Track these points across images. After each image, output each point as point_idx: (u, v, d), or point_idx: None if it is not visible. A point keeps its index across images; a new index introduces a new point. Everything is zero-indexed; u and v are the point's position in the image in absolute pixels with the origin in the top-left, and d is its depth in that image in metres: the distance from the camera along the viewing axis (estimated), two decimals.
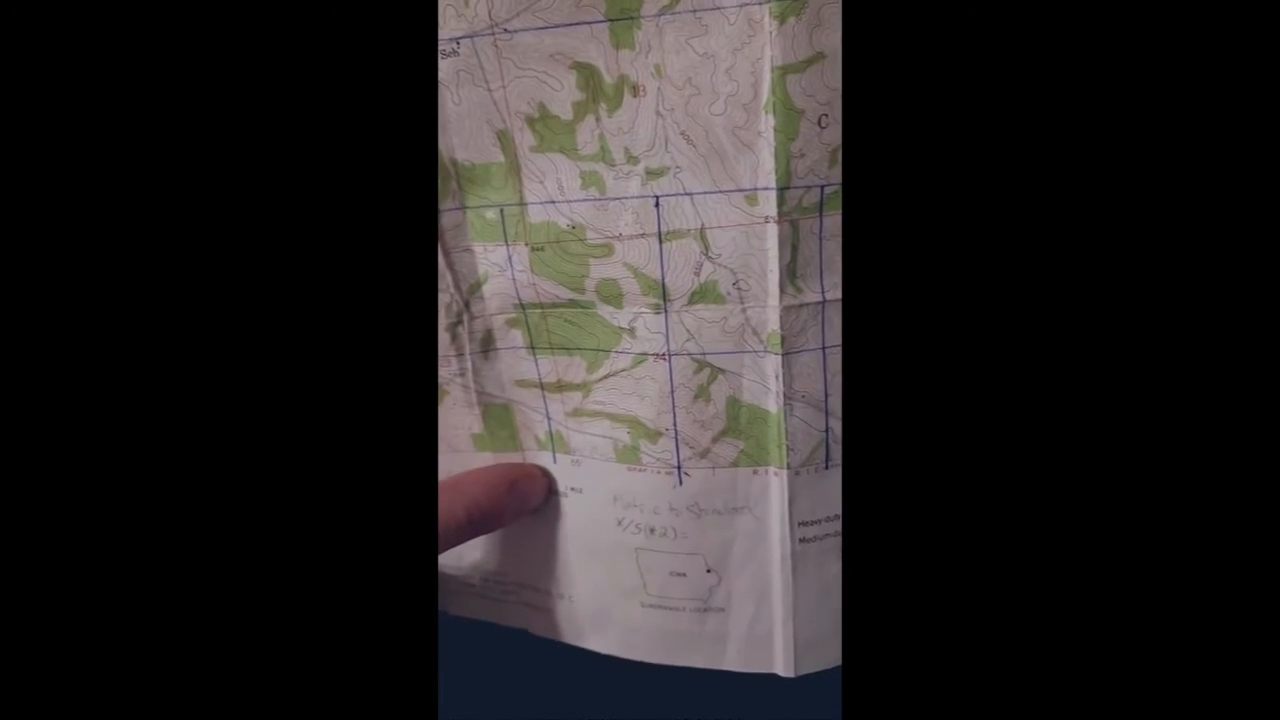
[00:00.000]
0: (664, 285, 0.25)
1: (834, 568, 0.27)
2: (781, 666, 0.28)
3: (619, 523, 0.28)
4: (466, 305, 0.27)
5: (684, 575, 0.28)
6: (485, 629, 0.32)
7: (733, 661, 0.29)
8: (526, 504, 0.29)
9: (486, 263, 0.26)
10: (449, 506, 0.27)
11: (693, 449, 0.26)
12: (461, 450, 0.30)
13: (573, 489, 0.28)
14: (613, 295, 0.26)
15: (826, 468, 0.26)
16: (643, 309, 0.25)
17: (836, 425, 0.26)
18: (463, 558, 0.31)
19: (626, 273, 0.25)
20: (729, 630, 0.28)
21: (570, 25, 0.23)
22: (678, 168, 0.24)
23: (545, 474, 0.29)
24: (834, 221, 0.24)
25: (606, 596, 0.29)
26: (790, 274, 0.24)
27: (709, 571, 0.28)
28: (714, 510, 0.27)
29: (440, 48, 0.24)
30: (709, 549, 0.27)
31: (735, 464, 0.26)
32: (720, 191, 0.24)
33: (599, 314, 0.26)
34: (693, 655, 0.29)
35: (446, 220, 0.26)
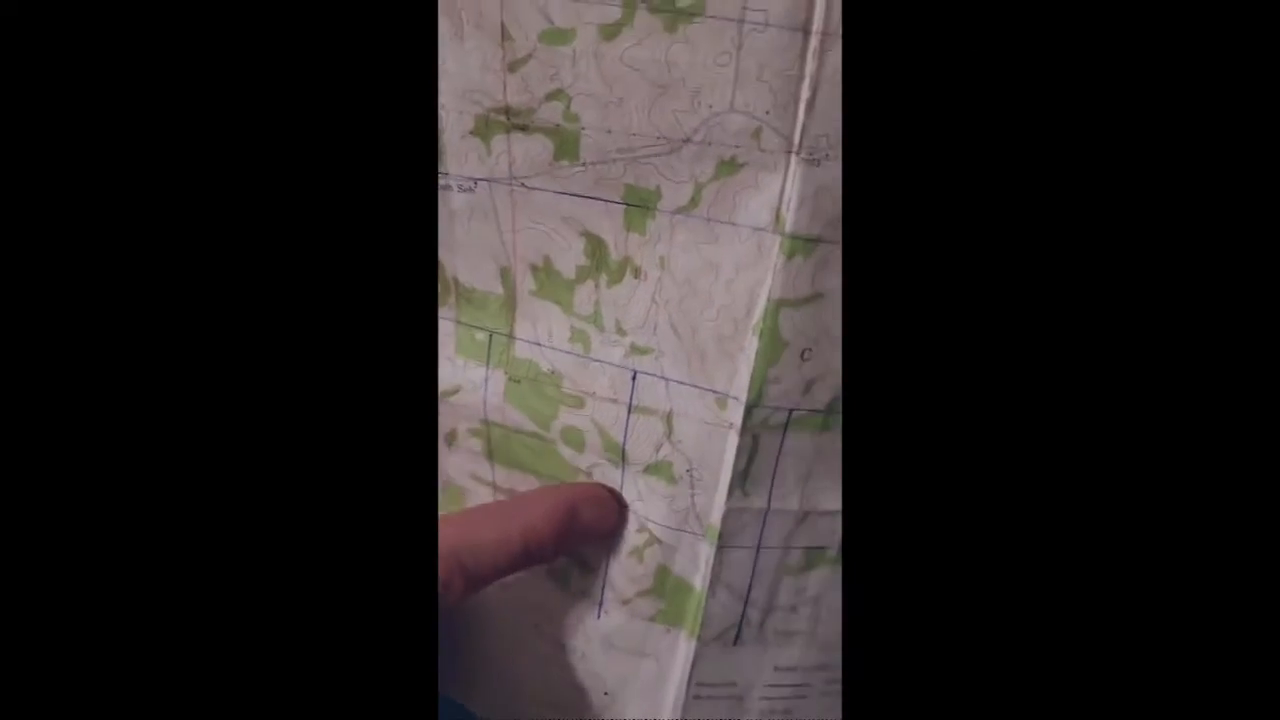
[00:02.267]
0: (624, 449, 0.26)
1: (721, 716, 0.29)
2: None
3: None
4: (438, 403, 0.28)
5: (584, 690, 0.29)
6: None
7: None
8: (591, 532, 0.26)
9: (464, 376, 0.27)
10: (503, 531, 0.25)
11: (616, 594, 0.27)
12: None
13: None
14: (575, 441, 0.26)
15: (735, 644, 0.27)
16: (601, 460, 0.26)
17: (753, 613, 0.27)
18: None
19: (592, 427, 0.26)
20: None
21: (587, 198, 0.23)
22: (660, 352, 0.24)
23: (614, 496, 0.27)
24: (796, 442, 0.24)
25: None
26: (741, 479, 0.25)
27: (605, 694, 0.29)
28: (623, 649, 0.28)
29: (459, 184, 0.24)
30: (611, 677, 0.29)
31: (651, 619, 0.27)
32: (694, 386, 0.24)
33: (559, 451, 0.27)
34: None
35: (440, 327, 0.27)
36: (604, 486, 0.27)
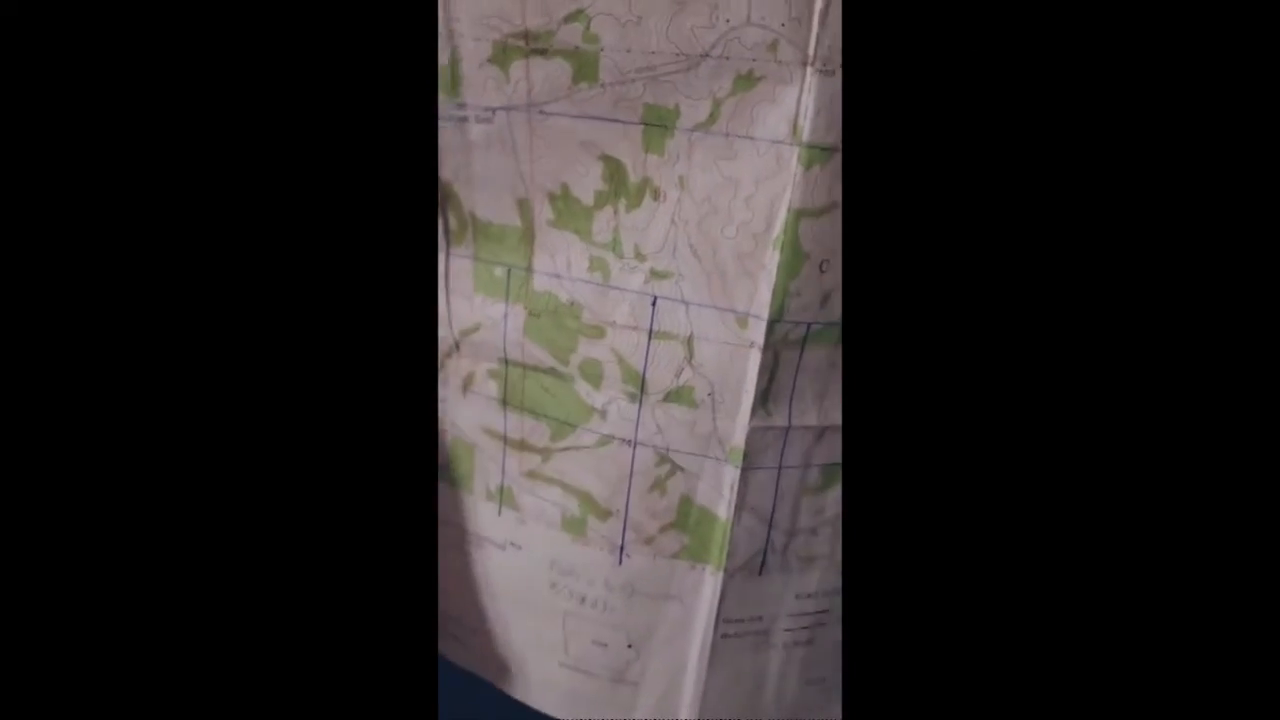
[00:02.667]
0: (644, 378, 0.26)
1: (749, 660, 0.29)
2: None
3: (552, 585, 0.29)
4: (457, 345, 0.28)
5: (605, 645, 0.29)
6: None
7: None
8: None
9: (482, 314, 0.27)
10: None
11: (639, 534, 0.27)
12: None
13: (513, 544, 0.30)
14: (593, 375, 0.26)
15: (760, 573, 0.27)
16: (618, 396, 0.26)
17: (778, 537, 0.27)
18: None
19: (611, 357, 0.26)
20: (637, 704, 0.30)
21: (606, 120, 0.24)
22: (680, 275, 0.25)
23: None
24: (813, 356, 0.25)
25: (527, 649, 0.30)
26: (763, 398, 0.25)
27: (629, 647, 0.29)
28: (647, 593, 0.28)
29: (476, 114, 0.24)
30: (634, 627, 0.29)
31: (676, 556, 0.27)
32: (715, 308, 0.25)
33: (575, 389, 0.27)
34: (599, 715, 0.30)
35: (455, 265, 0.27)
36: None
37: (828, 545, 0.27)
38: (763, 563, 0.27)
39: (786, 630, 0.28)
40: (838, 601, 0.28)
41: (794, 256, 0.23)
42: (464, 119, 0.24)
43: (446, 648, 0.32)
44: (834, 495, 0.27)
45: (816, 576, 0.28)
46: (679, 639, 0.29)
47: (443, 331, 0.28)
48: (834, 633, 0.28)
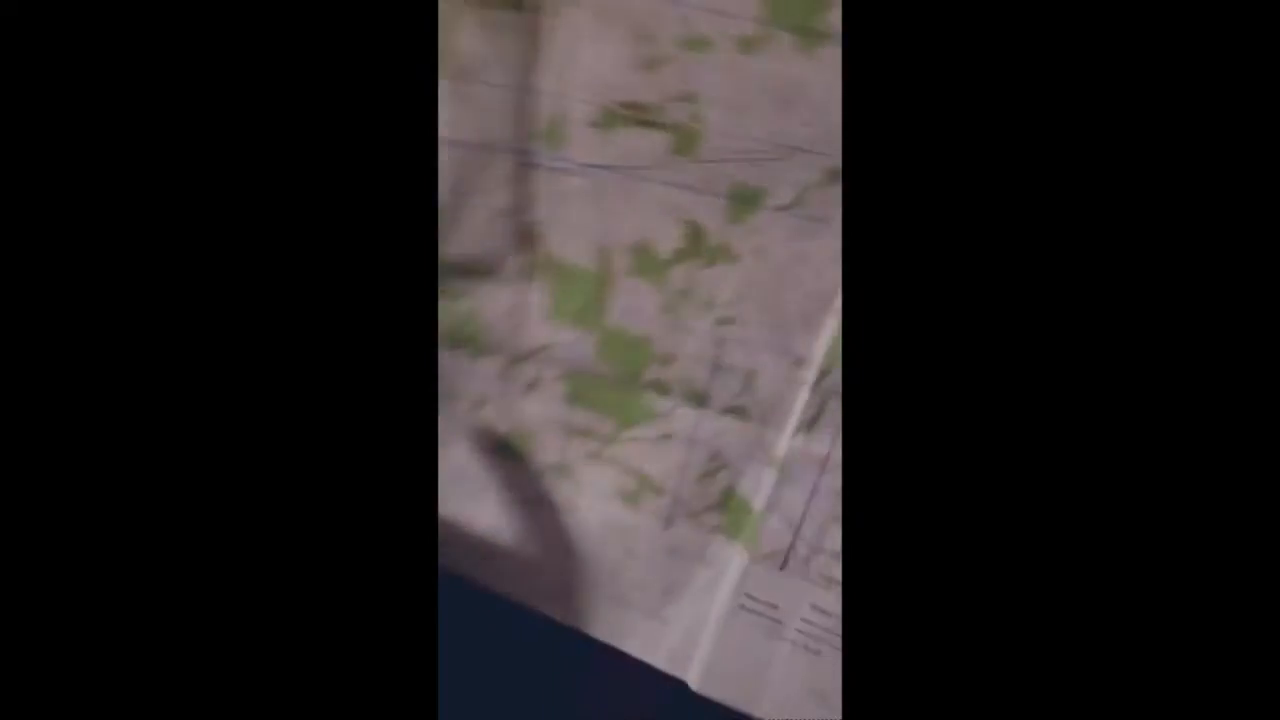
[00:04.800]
0: (708, 395, 0.29)
1: (759, 641, 0.34)
2: (693, 680, 0.35)
3: (603, 540, 0.33)
4: (527, 358, 0.30)
5: (644, 589, 0.34)
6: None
7: (661, 661, 0.35)
8: None
9: (555, 337, 0.29)
10: None
11: (685, 509, 0.32)
12: None
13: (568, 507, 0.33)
14: (661, 389, 0.29)
15: (782, 569, 0.32)
16: (682, 404, 0.30)
17: (802, 547, 0.31)
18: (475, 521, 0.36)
19: (677, 379, 0.29)
20: (663, 638, 0.35)
21: (696, 191, 0.25)
22: (745, 323, 0.27)
23: None
24: None
25: (573, 579, 0.35)
26: (807, 426, 0.29)
27: (664, 593, 0.34)
28: (685, 555, 0.33)
29: (573, 169, 0.26)
30: (671, 581, 0.33)
31: (714, 530, 0.32)
32: (775, 353, 0.28)
33: (642, 398, 0.30)
34: (632, 644, 0.35)
35: (533, 298, 0.29)
36: None
37: None
38: (785, 561, 0.32)
39: (799, 631, 0.33)
40: None
41: None
42: (561, 170, 0.26)
43: (489, 578, 0.36)
44: None
45: (835, 598, 0.32)
46: (705, 597, 0.33)
47: (512, 347, 0.30)
48: (839, 656, 0.33)
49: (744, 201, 0.26)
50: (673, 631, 0.34)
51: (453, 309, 0.30)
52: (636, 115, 0.25)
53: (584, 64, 0.24)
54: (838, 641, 0.33)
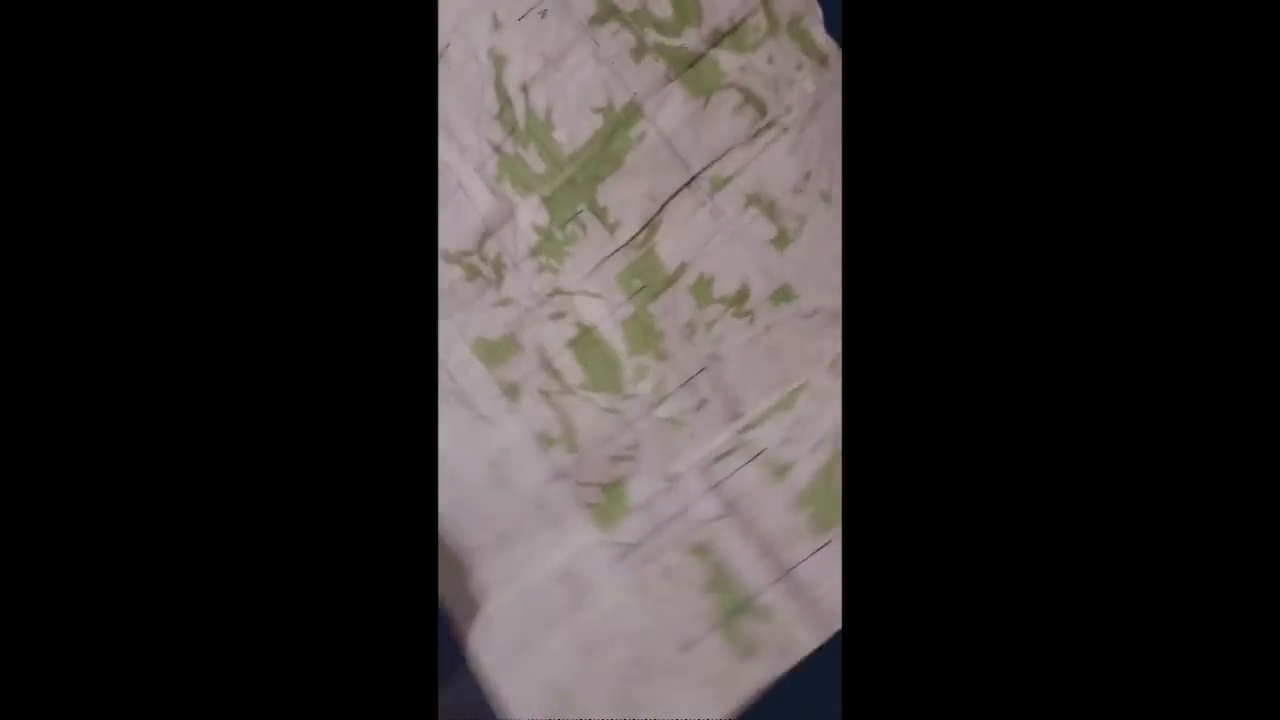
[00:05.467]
0: (662, 396, 0.36)
1: (539, 617, 0.38)
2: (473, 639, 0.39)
3: (491, 463, 0.39)
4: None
5: (491, 522, 0.39)
6: None
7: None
8: None
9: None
10: None
11: (577, 477, 0.38)
12: None
13: None
14: (641, 372, 0.37)
15: (617, 560, 0.38)
16: (646, 390, 0.37)
17: (644, 548, 0.38)
18: None
19: (657, 374, 0.36)
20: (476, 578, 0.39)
21: None
22: (727, 364, 0.35)
23: None
24: None
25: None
26: (711, 460, 0.36)
27: (501, 536, 0.39)
28: (547, 509, 0.39)
29: None
30: (516, 528, 0.39)
31: (587, 506, 0.38)
32: (724, 398, 0.35)
33: (624, 371, 0.37)
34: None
35: None
36: None
37: None
38: (624, 554, 0.38)
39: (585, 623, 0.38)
40: None
41: None
42: None
43: None
44: None
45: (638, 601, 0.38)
46: (536, 555, 0.39)
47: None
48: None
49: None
50: (483, 574, 0.39)
51: None
52: None
53: None
54: (607, 645, 0.37)
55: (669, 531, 0.37)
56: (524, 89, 0.36)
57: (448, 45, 0.36)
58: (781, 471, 0.35)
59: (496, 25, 0.35)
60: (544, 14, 0.33)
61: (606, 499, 0.37)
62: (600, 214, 0.36)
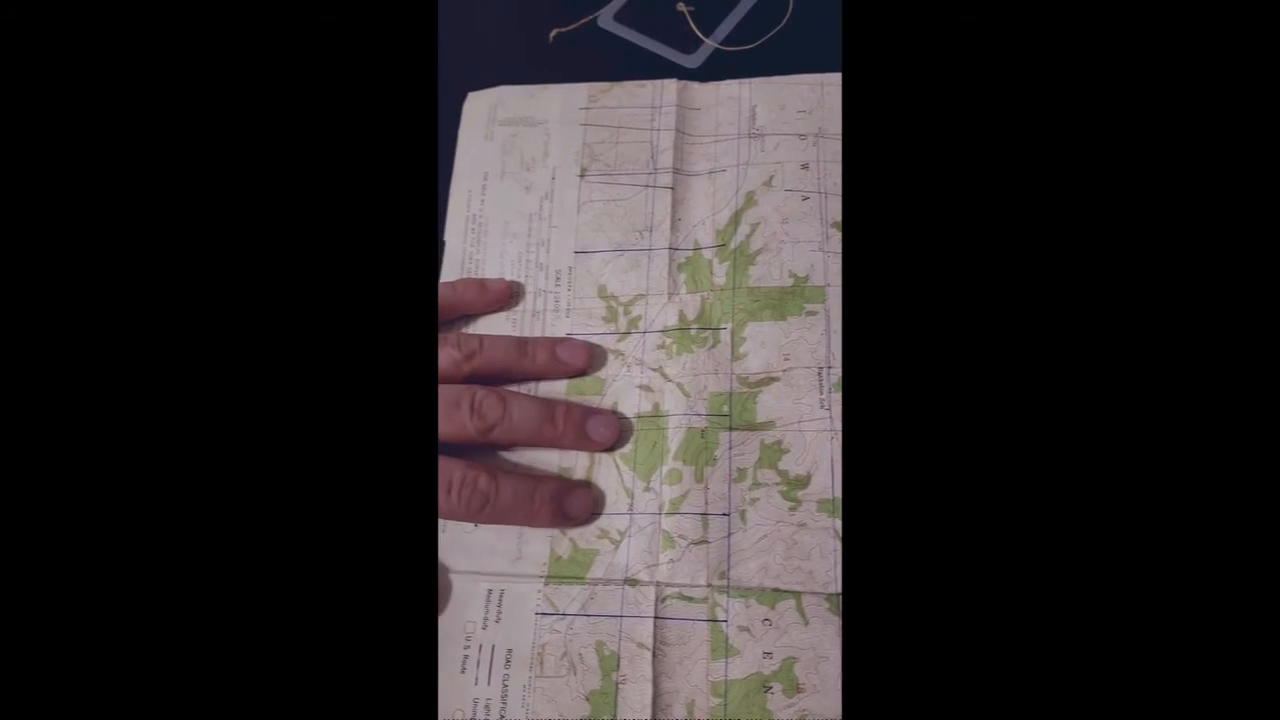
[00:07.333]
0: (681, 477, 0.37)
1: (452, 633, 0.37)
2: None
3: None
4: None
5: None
6: None
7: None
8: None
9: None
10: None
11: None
12: None
13: None
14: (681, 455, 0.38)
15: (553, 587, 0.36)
16: (676, 462, 0.37)
17: (594, 591, 0.36)
18: None
19: (692, 455, 0.37)
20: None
21: None
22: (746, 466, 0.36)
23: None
24: None
25: None
26: (687, 514, 0.35)
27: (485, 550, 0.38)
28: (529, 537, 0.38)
29: None
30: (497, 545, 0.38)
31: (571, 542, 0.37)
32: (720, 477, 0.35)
33: (664, 441, 0.38)
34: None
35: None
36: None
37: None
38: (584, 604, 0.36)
39: (467, 654, 0.36)
40: None
41: None
42: None
43: None
44: None
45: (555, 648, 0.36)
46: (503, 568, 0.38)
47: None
48: None
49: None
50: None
51: None
52: None
53: None
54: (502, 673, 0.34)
55: (594, 622, 0.35)
56: (753, 228, 0.42)
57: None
58: (722, 655, 0.33)
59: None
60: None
61: (572, 558, 0.36)
62: (737, 341, 0.39)
